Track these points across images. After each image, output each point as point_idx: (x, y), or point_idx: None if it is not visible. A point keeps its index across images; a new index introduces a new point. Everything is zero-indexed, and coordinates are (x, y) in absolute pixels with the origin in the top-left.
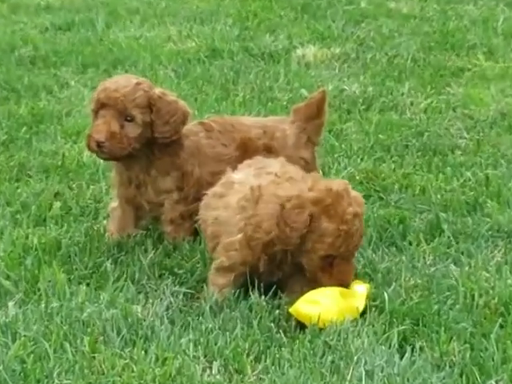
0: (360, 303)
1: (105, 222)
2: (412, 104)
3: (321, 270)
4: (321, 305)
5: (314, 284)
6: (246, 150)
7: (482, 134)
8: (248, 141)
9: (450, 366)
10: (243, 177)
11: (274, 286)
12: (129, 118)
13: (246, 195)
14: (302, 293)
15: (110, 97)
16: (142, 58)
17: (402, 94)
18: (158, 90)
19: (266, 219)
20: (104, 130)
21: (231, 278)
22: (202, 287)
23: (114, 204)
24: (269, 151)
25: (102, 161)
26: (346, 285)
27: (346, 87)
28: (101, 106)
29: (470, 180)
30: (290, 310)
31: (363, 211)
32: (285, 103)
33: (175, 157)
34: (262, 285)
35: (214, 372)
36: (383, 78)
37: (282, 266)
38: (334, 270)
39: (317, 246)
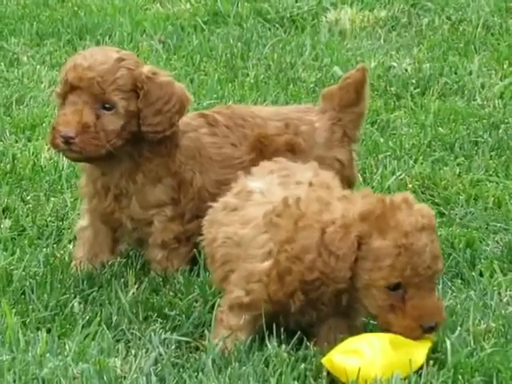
0: (418, 355)
1: (71, 246)
2: (483, 86)
3: (390, 310)
4: (363, 356)
5: (386, 329)
6: (263, 151)
7: None
8: (265, 139)
9: None
10: (264, 186)
11: (299, 332)
12: (107, 106)
13: (277, 208)
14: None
15: (83, 77)
16: (118, 24)
17: (470, 73)
18: (146, 69)
19: (309, 246)
20: (74, 121)
21: (248, 318)
22: (203, 333)
23: (84, 222)
24: (292, 151)
25: (67, 163)
26: (427, 327)
27: (394, 64)
28: (70, 89)
29: None
30: (323, 360)
31: (433, 224)
32: (312, 86)
33: (169, 159)
34: (282, 330)
35: None
36: (445, 51)
37: (319, 305)
38: (407, 305)
39: (374, 276)
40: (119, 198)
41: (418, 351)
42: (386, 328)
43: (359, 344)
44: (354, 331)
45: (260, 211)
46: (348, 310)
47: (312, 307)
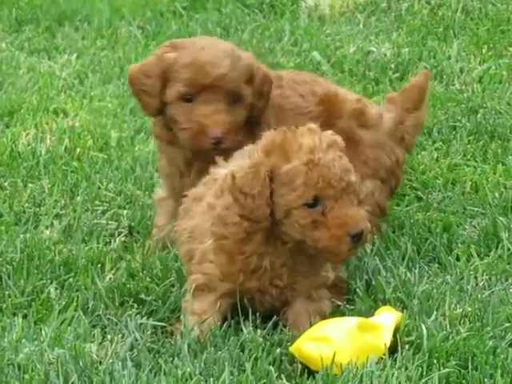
0: (386, 338)
1: (48, 232)
2: (462, 71)
3: (314, 227)
4: (331, 342)
5: (323, 255)
6: (330, 109)
7: None
8: (334, 97)
9: None
10: (227, 171)
11: (274, 317)
12: (235, 100)
13: (216, 190)
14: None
15: (214, 75)
16: (97, 10)
17: (449, 58)
18: (246, 55)
19: (229, 207)
20: (221, 121)
21: (211, 300)
22: (179, 318)
23: (164, 194)
24: (358, 121)
25: (45, 150)
26: (354, 233)
27: (373, 48)
28: (201, 88)
29: None
30: (291, 348)
31: (340, 144)
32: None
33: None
34: (257, 315)
35: None
36: (424, 35)
37: (274, 279)
38: (329, 217)
39: (291, 198)
40: (203, 172)
41: (386, 335)
42: (316, 248)
43: (327, 330)
44: (321, 315)
45: (206, 202)
46: (309, 291)
47: (270, 284)
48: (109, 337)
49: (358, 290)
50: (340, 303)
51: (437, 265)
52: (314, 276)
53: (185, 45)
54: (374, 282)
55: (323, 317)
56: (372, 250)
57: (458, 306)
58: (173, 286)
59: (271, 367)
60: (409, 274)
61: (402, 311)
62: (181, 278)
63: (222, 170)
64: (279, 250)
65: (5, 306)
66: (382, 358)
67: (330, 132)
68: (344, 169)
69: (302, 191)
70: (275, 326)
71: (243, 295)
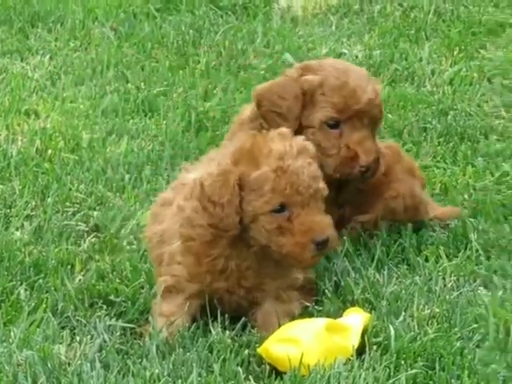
0: (354, 339)
1: (18, 233)
2: (433, 73)
3: (280, 233)
4: (299, 343)
5: (287, 260)
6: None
7: None
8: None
9: None
10: (196, 176)
11: (243, 318)
12: (376, 125)
13: (185, 193)
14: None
15: (365, 101)
16: (70, 12)
17: (421, 60)
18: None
19: (198, 213)
20: (372, 150)
21: (180, 302)
22: (147, 319)
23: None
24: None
25: (16, 151)
26: (318, 240)
27: (345, 50)
28: (353, 114)
29: (508, 175)
30: (259, 350)
31: (310, 151)
32: (262, 72)
33: None
34: (226, 316)
35: None
36: (396, 37)
37: (240, 280)
38: (295, 223)
39: (258, 204)
40: None
41: (354, 336)
42: (280, 254)
43: (295, 331)
44: (290, 316)
45: (176, 205)
46: (278, 292)
47: (238, 285)
48: (78, 338)
49: (326, 291)
50: (309, 304)
51: (405, 266)
52: (283, 278)
53: (323, 67)
54: (342, 283)
55: (292, 318)
56: (341, 251)
57: (426, 306)
58: (142, 287)
59: (239, 368)
60: (377, 275)
61: (371, 312)
62: (150, 279)
63: (189, 175)
64: (244, 253)
65: None
66: (349, 359)
67: (301, 138)
68: (312, 176)
69: (269, 197)
70: (244, 327)
71: (212, 295)
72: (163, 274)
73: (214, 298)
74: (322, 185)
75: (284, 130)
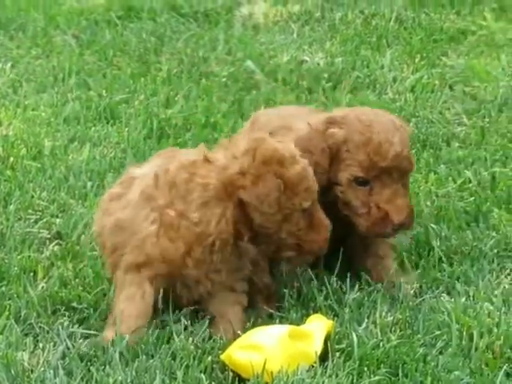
0: (317, 346)
1: None
2: (395, 80)
3: (308, 230)
4: (262, 350)
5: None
6: None
7: (487, 120)
8: None
9: None
10: (146, 170)
11: (206, 324)
12: (407, 177)
13: (150, 183)
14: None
15: (392, 157)
16: (32, 19)
17: (382, 67)
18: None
19: (193, 206)
20: (404, 207)
21: (145, 279)
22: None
23: None
24: None
25: None
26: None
27: (306, 58)
28: (379, 172)
29: (470, 182)
30: (222, 356)
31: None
32: (224, 80)
33: None
34: (189, 323)
35: None
36: (357, 45)
37: (210, 274)
38: (315, 221)
39: (296, 201)
40: None
41: (317, 342)
42: (300, 251)
43: (258, 338)
44: (241, 307)
45: (139, 191)
46: (233, 283)
47: (205, 276)
48: (41, 345)
49: (289, 297)
50: (272, 311)
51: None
52: (240, 270)
53: (347, 120)
54: (305, 290)
55: (243, 308)
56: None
57: (389, 313)
58: (104, 294)
59: (202, 375)
60: (340, 282)
61: (333, 319)
62: (113, 285)
63: (138, 170)
64: (233, 250)
65: None
66: (312, 366)
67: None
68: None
69: (305, 195)
70: (207, 334)
71: (176, 282)
72: (130, 252)
73: (177, 286)
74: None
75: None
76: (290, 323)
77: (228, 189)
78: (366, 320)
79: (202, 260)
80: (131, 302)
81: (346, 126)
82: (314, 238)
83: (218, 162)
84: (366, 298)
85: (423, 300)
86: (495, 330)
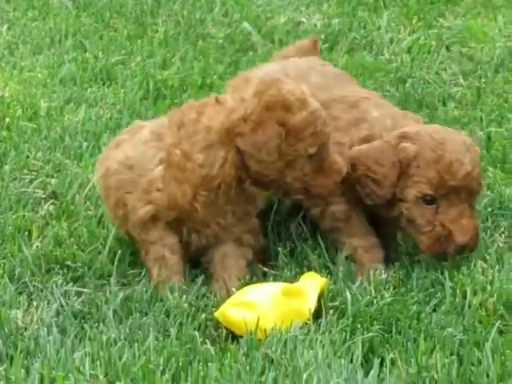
0: (310, 303)
1: None
2: (392, 41)
3: (316, 175)
4: (256, 307)
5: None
6: None
7: (484, 81)
8: None
9: None
10: (158, 120)
11: (201, 280)
12: (476, 198)
13: (162, 123)
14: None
15: (462, 176)
16: None
17: (379, 28)
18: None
19: (197, 147)
20: (469, 228)
21: (162, 226)
22: (105, 284)
23: None
24: None
25: None
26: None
27: (303, 19)
28: (448, 190)
29: None
30: (216, 314)
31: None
32: (221, 41)
33: None
34: (182, 280)
35: None
36: (354, 6)
37: (217, 217)
38: (325, 165)
39: (301, 147)
40: None
41: (311, 300)
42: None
43: (251, 295)
44: (246, 262)
45: (148, 132)
46: (241, 233)
47: (213, 213)
48: (34, 303)
49: (283, 255)
50: (266, 269)
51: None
52: (247, 220)
53: (420, 136)
54: (299, 248)
55: (248, 262)
56: (301, 218)
57: (383, 271)
58: (99, 252)
59: (196, 332)
60: None
61: (327, 277)
62: (107, 244)
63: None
64: (237, 195)
65: None
66: (306, 323)
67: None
68: None
69: (311, 141)
70: (201, 292)
71: (185, 225)
72: (137, 203)
73: (185, 232)
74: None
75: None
76: (284, 281)
77: (229, 134)
78: (360, 278)
79: (208, 202)
80: (163, 264)
81: (419, 141)
82: (323, 183)
83: (227, 103)
84: None
85: (417, 258)
86: (489, 287)
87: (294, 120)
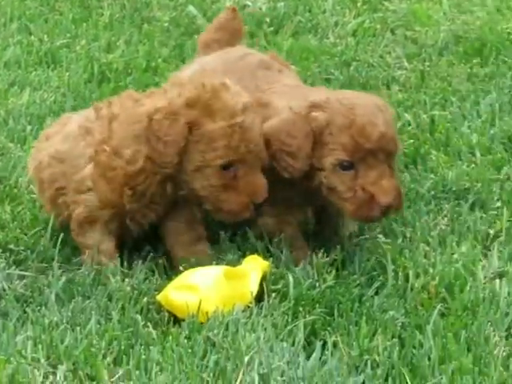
0: (252, 286)
1: None
2: (336, 24)
3: (223, 189)
4: (198, 291)
5: (220, 215)
6: None
7: (428, 64)
8: None
9: (373, 368)
10: (85, 113)
11: (140, 264)
12: (394, 158)
13: (88, 116)
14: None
15: (376, 138)
16: None
17: (324, 12)
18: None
19: (127, 141)
20: (390, 187)
21: (99, 229)
22: (48, 268)
23: None
24: None
25: None
26: (260, 200)
27: (248, 2)
28: (363, 154)
29: (409, 124)
30: (158, 297)
31: (251, 103)
32: (166, 25)
33: None
34: (125, 265)
35: (58, 379)
36: None
37: (152, 206)
38: (241, 183)
39: (209, 156)
40: None
41: (253, 282)
42: (217, 208)
43: (193, 279)
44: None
45: (76, 126)
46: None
47: (148, 208)
48: None
49: (225, 239)
50: (210, 252)
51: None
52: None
53: (330, 104)
54: (242, 232)
55: (199, 236)
56: None
57: (326, 254)
58: (42, 235)
59: (138, 316)
60: None
61: (270, 260)
62: (50, 227)
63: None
64: (166, 188)
65: None
66: (248, 306)
67: (241, 91)
68: (260, 133)
69: (222, 153)
70: (144, 275)
71: (125, 216)
72: (73, 202)
73: (128, 218)
74: (262, 143)
75: (228, 81)
76: (227, 264)
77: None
78: (302, 261)
79: (138, 197)
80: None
81: (329, 109)
82: (233, 200)
83: (167, 93)
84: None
85: (360, 241)
86: (431, 270)
87: (210, 127)
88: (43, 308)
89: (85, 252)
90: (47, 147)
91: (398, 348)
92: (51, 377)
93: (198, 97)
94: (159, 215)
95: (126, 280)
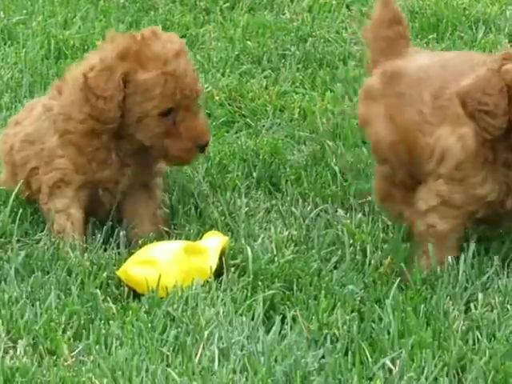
0: (212, 261)
1: None
2: (293, 0)
3: (165, 136)
4: (158, 265)
5: (169, 161)
6: None
7: None
8: None
9: (332, 342)
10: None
11: (99, 239)
12: None
13: (50, 96)
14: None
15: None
16: None
17: None
18: None
19: (74, 104)
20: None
21: (71, 195)
22: (7, 243)
23: None
24: None
25: None
26: (201, 145)
27: None
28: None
29: None
30: (118, 272)
31: (185, 49)
32: (122, 1)
33: None
34: (85, 239)
35: (18, 353)
36: None
37: (123, 169)
38: (181, 128)
39: (146, 106)
40: None
41: (212, 257)
42: (163, 155)
43: (153, 253)
44: (155, 202)
45: (40, 107)
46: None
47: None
48: None
49: (186, 214)
50: (167, 229)
51: (264, 190)
52: (151, 166)
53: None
54: (201, 207)
55: (158, 204)
56: (202, 177)
57: (284, 229)
58: (1, 211)
59: (98, 291)
60: (236, 198)
61: (229, 235)
62: (7, 201)
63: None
64: (125, 145)
65: None
66: (207, 281)
67: (173, 35)
68: (194, 78)
69: (158, 102)
70: (104, 250)
71: (98, 186)
72: (45, 172)
73: (100, 188)
74: (200, 87)
75: (156, 28)
76: (186, 239)
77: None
78: (261, 236)
79: (104, 160)
80: (64, 237)
81: None
82: (174, 146)
83: (100, 51)
84: (260, 214)
85: (318, 216)
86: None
87: (143, 76)
88: (2, 283)
89: (50, 221)
90: (17, 132)
91: (357, 322)
92: (11, 351)
93: (129, 48)
94: (131, 181)
95: (86, 255)
